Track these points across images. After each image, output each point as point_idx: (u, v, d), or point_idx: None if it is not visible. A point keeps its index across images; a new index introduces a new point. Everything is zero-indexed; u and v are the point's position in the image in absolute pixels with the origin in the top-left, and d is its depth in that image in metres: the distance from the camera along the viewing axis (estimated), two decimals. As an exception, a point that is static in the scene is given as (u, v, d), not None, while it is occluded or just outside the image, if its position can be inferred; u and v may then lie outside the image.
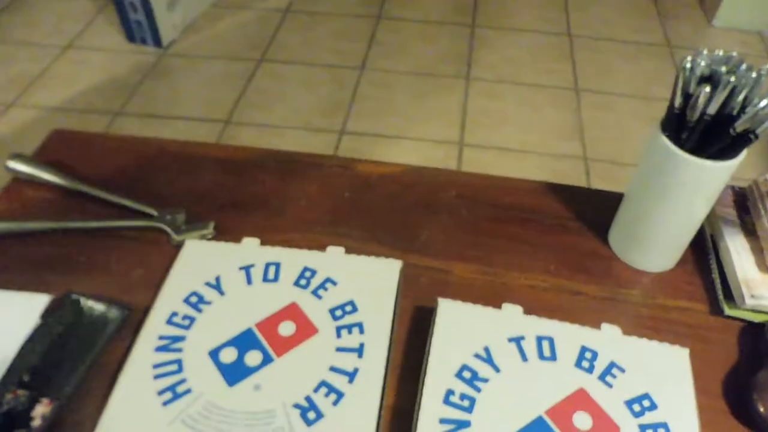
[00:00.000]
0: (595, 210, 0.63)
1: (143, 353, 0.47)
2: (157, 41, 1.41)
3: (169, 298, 0.50)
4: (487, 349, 0.47)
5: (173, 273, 0.52)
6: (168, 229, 0.59)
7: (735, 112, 0.46)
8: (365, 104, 1.28)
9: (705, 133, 0.47)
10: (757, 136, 0.46)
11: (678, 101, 0.47)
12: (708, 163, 0.48)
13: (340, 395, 0.44)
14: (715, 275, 0.56)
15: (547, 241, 0.60)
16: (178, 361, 0.46)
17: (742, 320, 0.53)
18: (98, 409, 0.46)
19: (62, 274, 0.56)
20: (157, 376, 0.45)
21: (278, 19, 1.48)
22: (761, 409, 0.46)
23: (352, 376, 0.45)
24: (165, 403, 0.44)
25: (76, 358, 0.49)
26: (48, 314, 0.51)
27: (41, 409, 0.46)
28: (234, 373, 0.46)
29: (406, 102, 1.29)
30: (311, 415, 0.43)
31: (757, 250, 0.54)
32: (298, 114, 1.25)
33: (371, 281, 0.52)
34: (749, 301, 0.51)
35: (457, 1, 1.56)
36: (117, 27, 1.45)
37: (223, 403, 0.44)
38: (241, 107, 1.27)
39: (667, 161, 0.49)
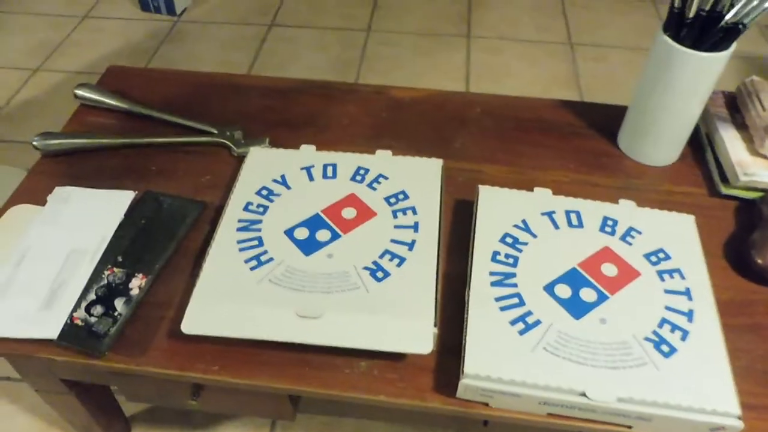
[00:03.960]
0: (604, 120, 0.71)
1: (227, 232, 0.54)
2: (171, 9, 1.47)
3: (243, 192, 0.58)
4: (524, 221, 0.55)
5: (243, 173, 0.59)
6: (229, 143, 0.66)
7: (725, 10, 0.54)
8: (374, 62, 1.35)
9: (701, 29, 0.55)
10: (745, 26, 0.54)
11: (677, 1, 0.55)
12: (704, 55, 0.55)
13: (402, 259, 0.52)
14: (712, 164, 0.64)
15: (566, 145, 0.68)
16: (258, 238, 0.54)
17: (736, 198, 0.62)
18: (186, 281, 0.54)
19: (137, 181, 0.63)
20: (242, 249, 0.53)
21: (284, -14, 1.54)
22: (759, 261, 0.54)
23: (411, 245, 0.53)
24: (252, 269, 0.51)
25: (162, 243, 0.56)
26: (132, 209, 0.58)
27: (137, 282, 0.53)
28: (309, 246, 0.53)
29: (412, 59, 1.36)
30: (380, 274, 0.51)
31: (747, 139, 0.63)
32: (312, 72, 1.31)
33: (418, 175, 0.59)
34: (743, 178, 0.59)
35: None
36: (131, -2, 1.50)
37: (302, 268, 0.51)
38: (257, 68, 1.33)
39: (669, 57, 0.57)
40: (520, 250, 0.52)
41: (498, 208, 0.56)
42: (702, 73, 0.57)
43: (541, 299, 0.49)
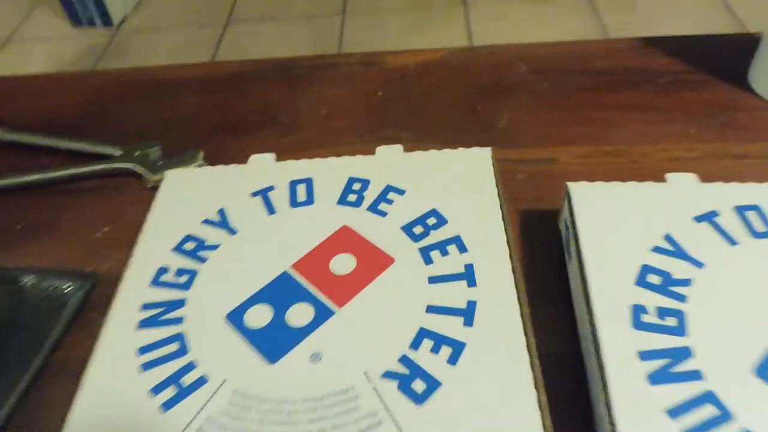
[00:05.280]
0: (720, 57, 0.46)
1: (119, 335, 0.29)
2: (107, 20, 1.23)
3: (153, 251, 0.32)
4: (669, 237, 0.29)
5: (152, 216, 0.34)
6: (138, 168, 0.41)
7: None
8: (356, 49, 1.10)
9: None
10: None
11: None
12: None
13: (458, 347, 0.26)
14: None
15: (671, 102, 0.43)
16: (178, 338, 0.28)
17: None
18: (62, 418, 0.28)
19: (-9, 253, 0.37)
20: (147, 366, 0.27)
21: (240, -22, 1.30)
22: None
23: (467, 314, 0.27)
24: (166, 406, 0.26)
25: (17, 362, 0.31)
26: (-31, 308, 0.33)
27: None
28: (274, 342, 0.28)
29: (400, 40, 1.12)
30: (418, 386, 0.25)
31: None
32: (282, 70, 1.07)
33: (454, 180, 0.34)
34: None
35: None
36: (59, 13, 1.26)
37: (263, 390, 0.26)
38: (214, 74, 1.08)
39: None
40: (681, 298, 0.27)
41: (613, 219, 0.30)
42: None
43: (746, 390, 0.23)
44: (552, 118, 0.42)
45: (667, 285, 0.27)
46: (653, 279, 0.28)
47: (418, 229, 0.31)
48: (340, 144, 0.42)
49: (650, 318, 0.26)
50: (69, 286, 0.34)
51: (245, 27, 1.17)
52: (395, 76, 0.47)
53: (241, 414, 0.25)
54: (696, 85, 0.44)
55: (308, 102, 0.46)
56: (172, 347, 0.28)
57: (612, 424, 0.23)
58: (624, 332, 0.26)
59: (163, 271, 0.31)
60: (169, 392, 0.26)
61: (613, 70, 0.46)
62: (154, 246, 0.33)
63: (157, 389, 0.26)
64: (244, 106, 0.46)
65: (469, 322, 0.27)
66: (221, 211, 0.34)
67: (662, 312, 0.26)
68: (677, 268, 0.28)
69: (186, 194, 0.35)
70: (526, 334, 0.26)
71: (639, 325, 0.26)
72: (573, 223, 0.31)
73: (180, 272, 0.31)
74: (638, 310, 0.27)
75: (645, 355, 0.25)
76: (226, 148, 0.42)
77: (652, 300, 0.27)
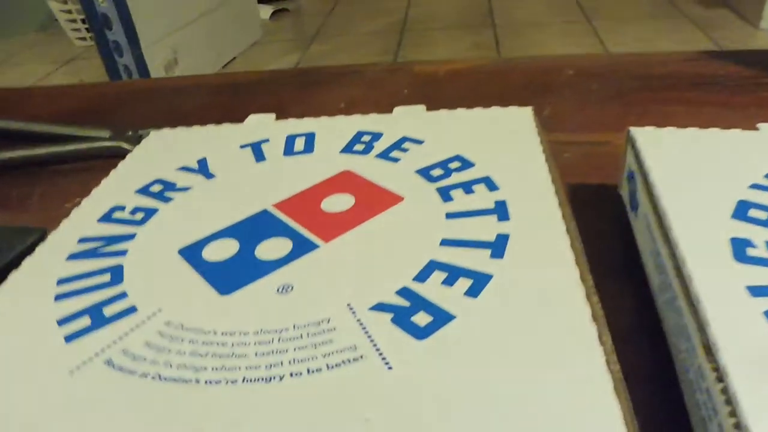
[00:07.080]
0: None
1: (39, 267, 0.22)
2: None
3: (112, 191, 0.27)
4: (772, 175, 0.22)
5: (123, 165, 0.29)
6: (127, 145, 0.36)
7: None
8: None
9: None
10: None
11: None
12: None
13: (480, 278, 0.19)
14: None
15: (750, 100, 0.36)
16: (114, 270, 0.21)
17: None
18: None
19: (-59, 217, 0.32)
20: (61, 296, 0.20)
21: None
22: None
23: (496, 246, 0.20)
24: (70, 338, 0.18)
25: None
26: None
27: None
28: (233, 273, 0.20)
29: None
30: (421, 318, 0.17)
31: None
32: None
33: (486, 133, 0.27)
34: None
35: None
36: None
37: (206, 321, 0.18)
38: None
39: None
40: (799, 232, 0.19)
41: (694, 161, 0.23)
42: None
43: None
44: (601, 110, 0.36)
45: (777, 222, 0.20)
46: (756, 213, 0.20)
47: (436, 172, 0.25)
48: (357, 132, 0.36)
49: (759, 252, 0.18)
50: (12, 238, 0.28)
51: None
52: (423, 79, 0.43)
53: (169, 345, 0.18)
54: (772, 88, 0.38)
55: (325, 99, 0.42)
56: (102, 278, 0.21)
57: (725, 392, 0.15)
58: (724, 266, 0.18)
59: (117, 209, 0.25)
60: (80, 323, 0.19)
61: (670, 74, 0.40)
62: (115, 187, 0.27)
63: (66, 320, 0.19)
64: (257, 103, 0.42)
65: (498, 254, 0.20)
66: (202, 161, 0.28)
67: (776, 244, 0.18)
68: (786, 201, 0.20)
69: (166, 148, 0.30)
70: (578, 264, 0.19)
71: (744, 258, 0.18)
72: (640, 167, 0.24)
73: (137, 210, 0.25)
74: (741, 243, 0.19)
75: (757, 291, 0.17)
76: (228, 131, 0.37)
77: (759, 234, 0.19)
